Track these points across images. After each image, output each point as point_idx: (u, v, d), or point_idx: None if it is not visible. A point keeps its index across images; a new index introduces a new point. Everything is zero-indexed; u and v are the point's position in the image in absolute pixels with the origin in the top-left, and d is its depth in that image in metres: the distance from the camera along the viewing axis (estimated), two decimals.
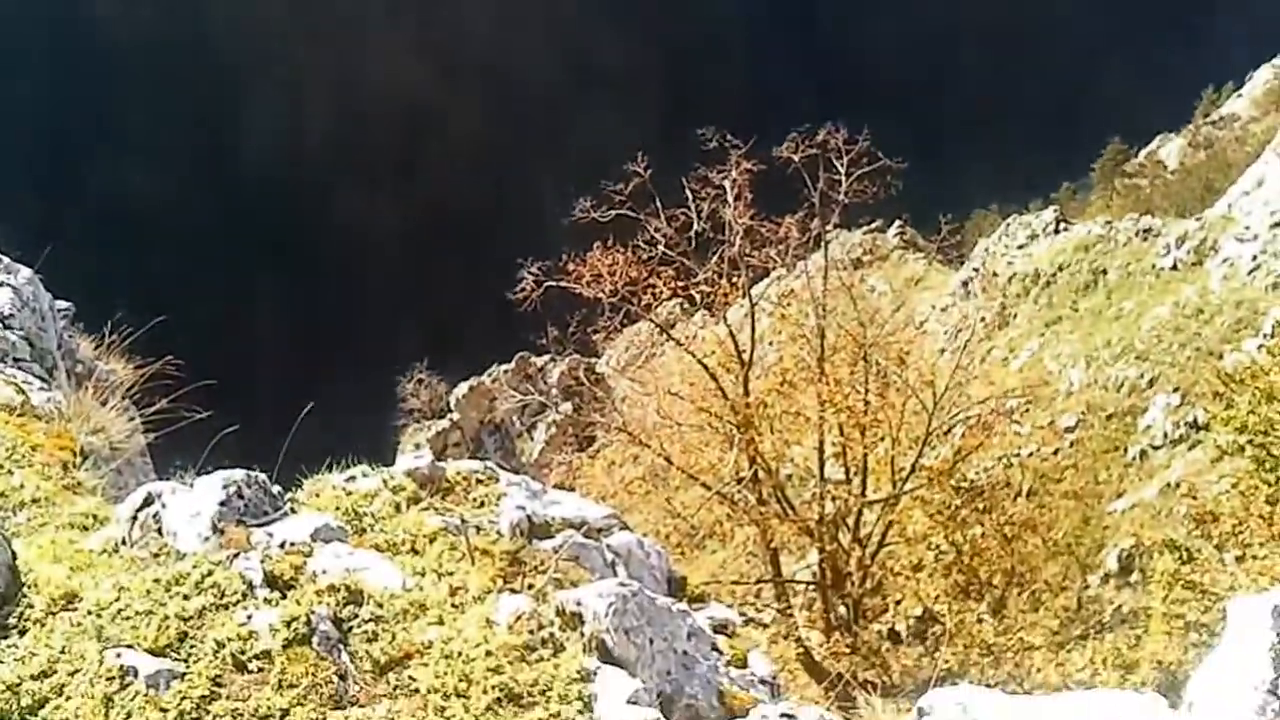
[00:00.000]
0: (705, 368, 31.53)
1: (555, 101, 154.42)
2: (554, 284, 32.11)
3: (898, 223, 51.64)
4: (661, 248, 31.69)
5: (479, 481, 6.85)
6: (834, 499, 31.31)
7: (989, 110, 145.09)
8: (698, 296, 34.32)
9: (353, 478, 6.87)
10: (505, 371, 52.68)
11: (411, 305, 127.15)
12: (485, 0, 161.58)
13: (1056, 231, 41.65)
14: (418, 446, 53.20)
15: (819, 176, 31.94)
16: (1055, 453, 32.69)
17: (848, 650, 29.86)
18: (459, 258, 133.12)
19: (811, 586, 31.96)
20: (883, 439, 31.31)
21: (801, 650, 30.31)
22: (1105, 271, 38.14)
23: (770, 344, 35.58)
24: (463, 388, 53.84)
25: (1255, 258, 34.01)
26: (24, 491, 7.21)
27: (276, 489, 6.54)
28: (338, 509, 6.41)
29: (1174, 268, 36.53)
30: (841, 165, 32.00)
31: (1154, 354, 33.19)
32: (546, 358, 51.39)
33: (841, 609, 30.97)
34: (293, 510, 6.37)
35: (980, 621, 23.32)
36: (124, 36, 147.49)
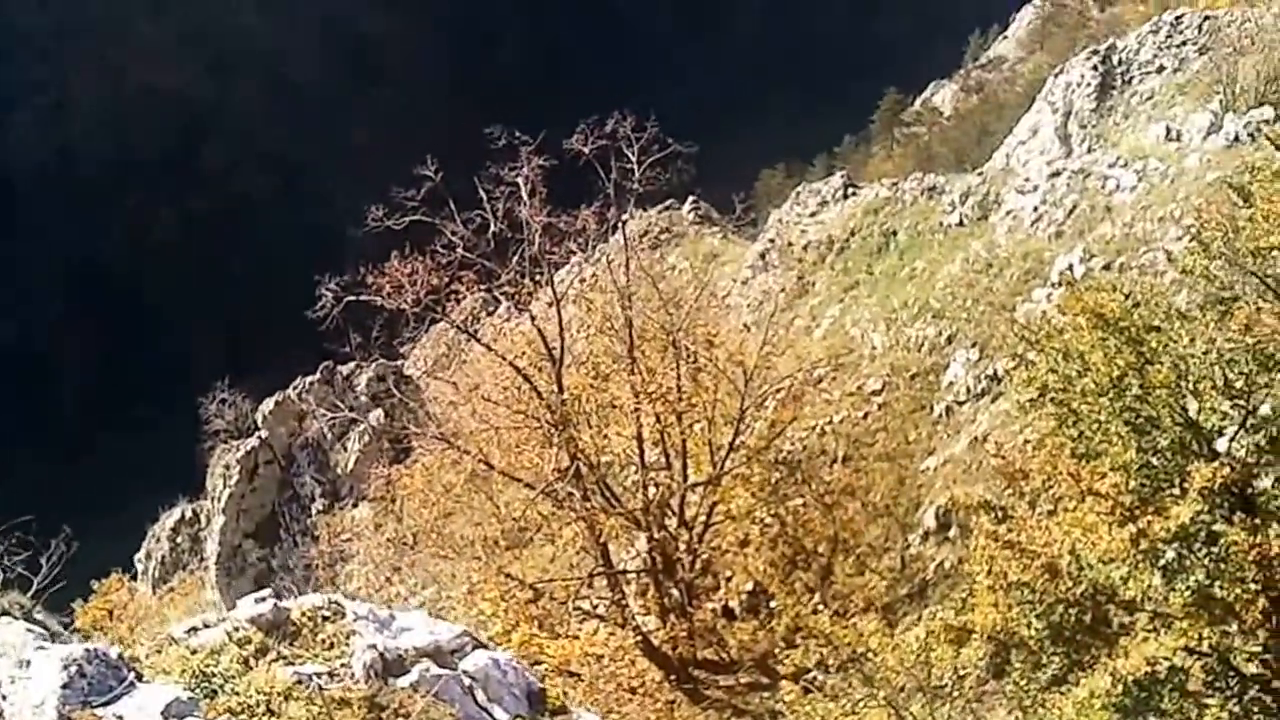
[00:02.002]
0: (517, 369, 31.46)
1: (334, 96, 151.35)
2: (354, 298, 31.60)
3: (691, 198, 52.16)
4: (460, 251, 31.45)
5: (325, 619, 6.63)
6: (656, 485, 31.72)
7: (768, 69, 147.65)
8: (502, 298, 34.25)
9: (194, 629, 6.58)
10: (311, 383, 51.43)
11: (205, 319, 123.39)
12: None
13: (846, 196, 42.66)
14: (228, 468, 51.71)
15: (611, 166, 32.12)
16: (865, 417, 33.59)
17: (685, 634, 30.39)
18: (252, 264, 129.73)
19: (643, 574, 32.31)
20: (699, 421, 31.83)
21: (640, 637, 30.70)
22: (895, 233, 39.23)
23: (578, 331, 35.68)
24: (269, 403, 52.38)
25: (1036, 209, 35.36)
26: None
27: (115, 651, 6.22)
28: (184, 671, 6.13)
29: (960, 224, 37.76)
30: (632, 154, 32.25)
31: (950, 311, 34.30)
32: (352, 365, 50.40)
33: (675, 593, 31.43)
34: (139, 677, 6.07)
35: (816, 612, 23.90)
36: None
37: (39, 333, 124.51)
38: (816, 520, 30.74)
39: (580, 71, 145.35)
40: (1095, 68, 41.09)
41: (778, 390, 32.59)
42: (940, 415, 32.33)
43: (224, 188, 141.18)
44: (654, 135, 32.73)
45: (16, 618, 9.75)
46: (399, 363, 49.32)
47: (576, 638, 29.03)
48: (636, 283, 32.83)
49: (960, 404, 31.97)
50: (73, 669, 5.94)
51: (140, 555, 55.14)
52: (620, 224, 33.93)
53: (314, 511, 48.26)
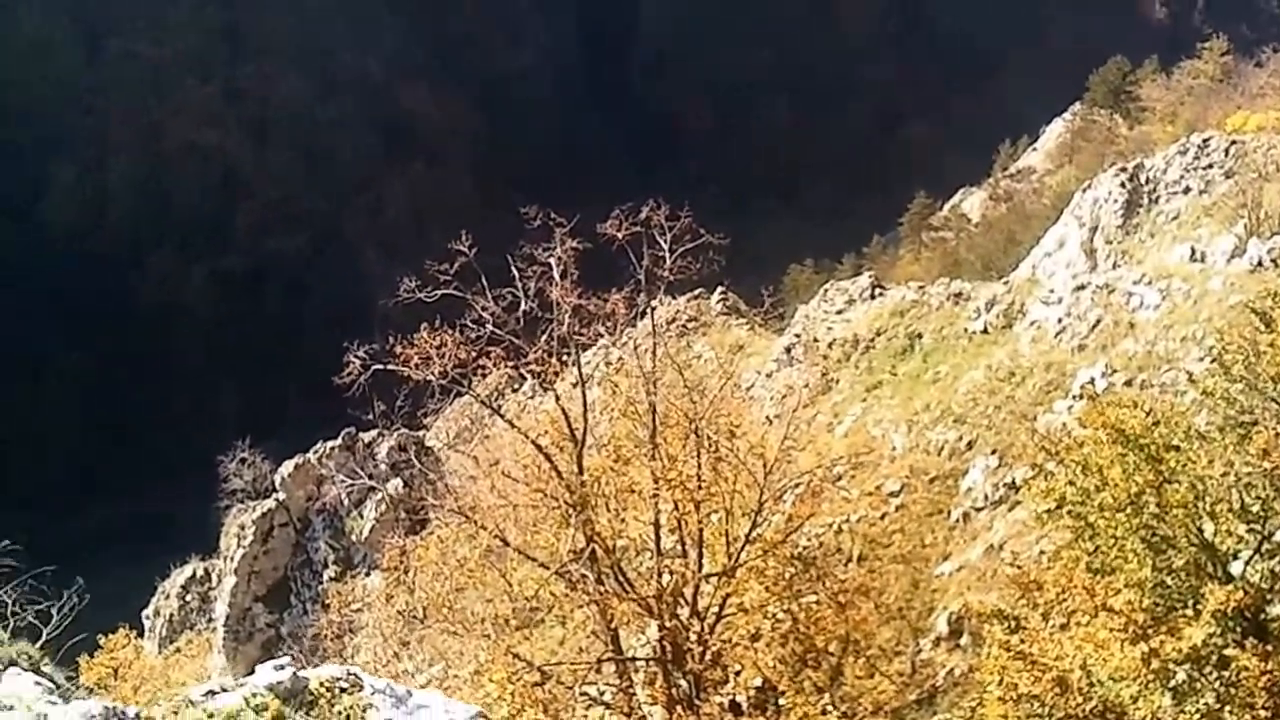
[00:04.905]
0: (539, 448, 31.51)
1: (369, 166, 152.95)
2: (381, 366, 31.81)
3: (719, 288, 52.56)
4: (490, 327, 31.67)
5: (343, 691, 6.74)
6: (671, 573, 31.59)
7: (800, 168, 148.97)
8: (528, 375, 34.43)
9: (212, 692, 6.70)
10: (332, 448, 51.58)
11: (229, 377, 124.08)
12: (293, 60, 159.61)
13: (873, 297, 42.95)
14: (243, 528, 51.76)
15: (643, 253, 32.42)
16: (882, 517, 33.53)
17: None
18: (279, 326, 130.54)
19: (652, 663, 32.08)
20: (717, 511, 31.75)
21: None
22: (920, 336, 39.45)
23: (601, 413, 35.79)
24: (288, 466, 52.53)
25: (1061, 320, 35.55)
26: None
27: (133, 711, 6.34)
28: None
29: (985, 331, 37.97)
30: (665, 242, 32.54)
31: (971, 417, 34.37)
32: (375, 433, 50.57)
33: (683, 684, 31.15)
34: None
35: (824, 713, 23.74)
36: None
37: (66, 382, 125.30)
38: (829, 619, 30.48)
39: (612, 157, 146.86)
40: (1123, 185, 41.44)
41: (797, 485, 32.51)
42: (957, 520, 32.29)
43: (256, 249, 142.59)
44: (687, 225, 33.04)
45: (24, 669, 9.87)
46: (421, 434, 49.53)
47: None
48: (662, 369, 32.92)
49: (977, 510, 31.92)
50: None
51: (149, 612, 55.11)
52: (649, 310, 34.14)
53: (326, 578, 48.20)
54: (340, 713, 6.65)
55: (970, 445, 33.81)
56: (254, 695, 6.64)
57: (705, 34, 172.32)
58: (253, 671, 7.38)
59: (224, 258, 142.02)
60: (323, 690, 6.81)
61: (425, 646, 33.69)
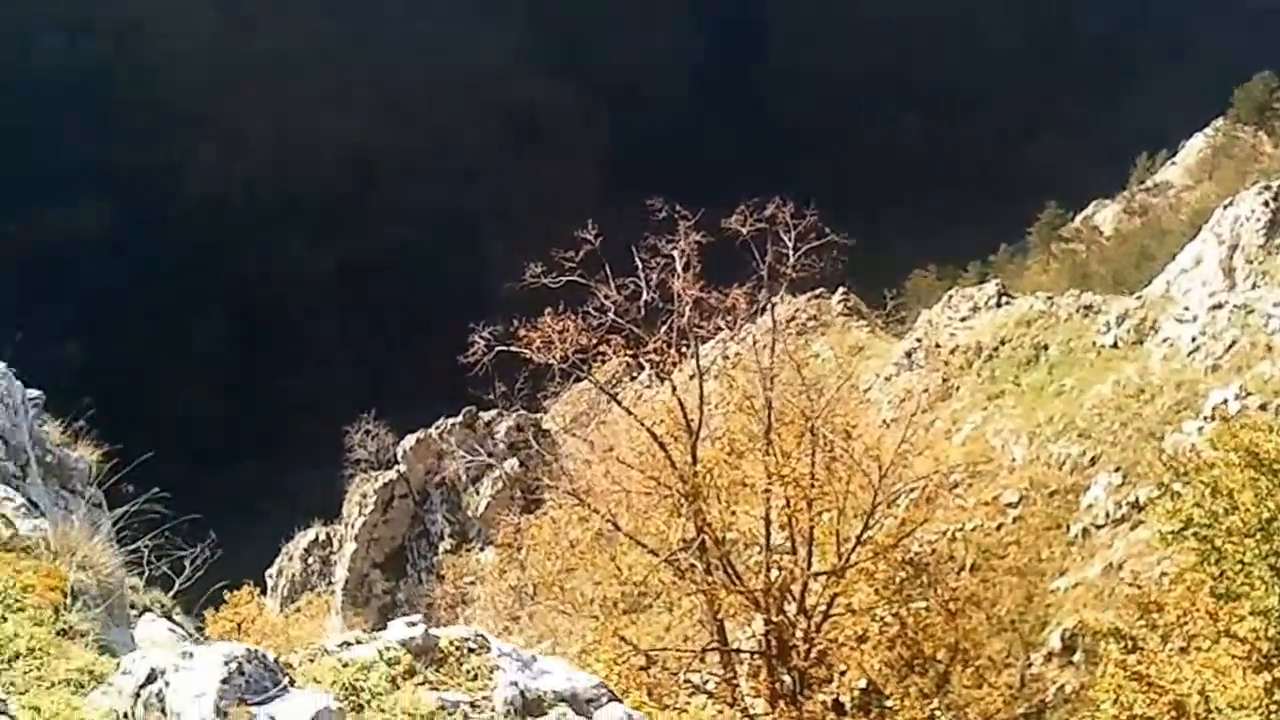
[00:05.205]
0: (654, 436, 31.69)
1: (495, 156, 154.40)
2: (505, 348, 32.24)
3: (841, 289, 52.27)
4: (611, 315, 31.88)
5: (471, 651, 6.93)
6: (780, 569, 31.56)
7: (926, 172, 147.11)
8: (647, 364, 34.61)
9: (347, 643, 6.92)
10: (453, 425, 52.66)
11: (353, 354, 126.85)
12: (422, 51, 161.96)
13: (998, 305, 42.37)
14: (364, 497, 53.06)
15: (767, 249, 32.35)
16: (998, 528, 33.08)
17: None
18: (403, 307, 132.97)
19: (756, 656, 32.10)
20: (829, 511, 31.61)
21: None
22: (1047, 347, 38.82)
23: (717, 406, 35.84)
24: (410, 440, 53.78)
25: (1195, 339, 34.74)
26: (18, 641, 6.99)
27: (272, 655, 6.56)
28: (334, 682, 6.47)
29: (1115, 345, 37.23)
30: (789, 239, 32.44)
31: (1096, 432, 33.76)
32: (494, 412, 51.41)
33: (787, 679, 31.14)
34: (291, 682, 6.40)
35: (932, 718, 23.55)
36: (59, 82, 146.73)
37: (204, 356, 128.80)
38: (938, 626, 30.19)
39: (735, 154, 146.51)
40: (1266, 203, 40.17)
41: (912, 490, 32.25)
42: (1076, 536, 31.75)
43: (383, 233, 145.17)
44: (811, 223, 32.88)
45: (158, 616, 10.19)
46: (539, 416, 50.14)
47: (685, 711, 28.90)
48: (780, 366, 32.86)
49: (1098, 527, 31.36)
50: (233, 666, 6.28)
51: (272, 571, 56.71)
52: (770, 307, 34.09)
53: (441, 550, 49.32)
54: (468, 671, 6.81)
55: (1093, 461, 33.21)
56: (387, 648, 6.84)
57: (835, 36, 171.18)
58: (383, 629, 7.58)
59: (353, 242, 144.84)
60: (452, 649, 6.98)
61: (535, 623, 34.09)
